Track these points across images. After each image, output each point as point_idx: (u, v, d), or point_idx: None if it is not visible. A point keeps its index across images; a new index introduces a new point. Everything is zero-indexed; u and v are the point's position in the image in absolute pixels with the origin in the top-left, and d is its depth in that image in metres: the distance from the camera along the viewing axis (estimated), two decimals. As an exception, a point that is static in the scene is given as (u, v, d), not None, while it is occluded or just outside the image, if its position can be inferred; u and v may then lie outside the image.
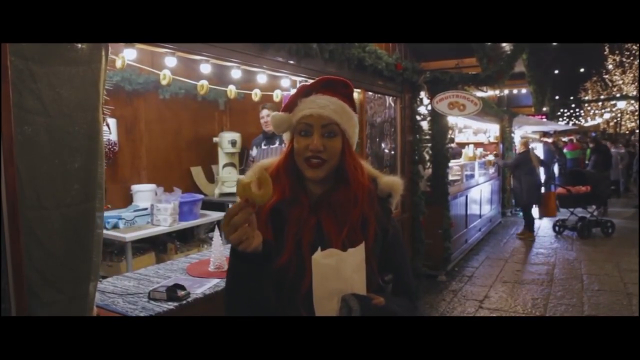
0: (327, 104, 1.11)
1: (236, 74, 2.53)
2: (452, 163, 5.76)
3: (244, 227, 0.90)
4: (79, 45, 1.45)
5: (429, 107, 4.69)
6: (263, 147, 4.05)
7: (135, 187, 4.10)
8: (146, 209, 3.87)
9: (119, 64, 1.97)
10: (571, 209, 7.47)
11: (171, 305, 1.78)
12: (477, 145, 8.48)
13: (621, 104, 24.59)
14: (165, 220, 3.78)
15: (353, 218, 1.09)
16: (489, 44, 4.65)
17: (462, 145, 7.84)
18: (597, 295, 4.65)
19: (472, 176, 6.94)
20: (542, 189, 7.78)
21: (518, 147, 7.64)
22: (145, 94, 4.25)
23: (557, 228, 7.50)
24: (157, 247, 4.08)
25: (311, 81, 1.22)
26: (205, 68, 2.21)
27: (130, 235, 3.53)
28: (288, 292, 1.05)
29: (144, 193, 4.01)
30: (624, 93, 24.00)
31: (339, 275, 0.95)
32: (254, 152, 4.10)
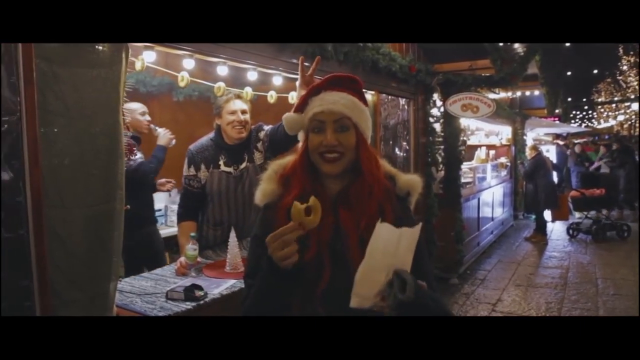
0: (337, 100, 1.12)
1: (252, 76, 2.54)
2: (464, 165, 5.73)
3: (293, 245, 0.95)
4: (100, 47, 1.47)
5: (442, 109, 4.67)
6: (224, 168, 2.41)
7: (149, 188, 4.13)
8: (160, 210, 3.90)
9: (138, 65, 2.00)
10: (585, 212, 7.39)
11: (189, 305, 1.79)
12: (489, 147, 8.42)
13: (635, 106, 24.24)
14: (179, 221, 3.79)
15: (370, 209, 1.10)
16: (503, 45, 4.61)
17: (474, 147, 7.78)
18: (613, 300, 4.58)
19: (484, 178, 6.90)
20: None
21: (528, 153, 7.56)
22: (159, 96, 4.29)
23: (571, 231, 7.41)
24: (171, 247, 4.10)
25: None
26: (222, 70, 2.23)
27: (145, 236, 3.56)
28: (305, 290, 1.06)
29: (157, 194, 4.04)
30: (639, 95, 23.67)
31: (396, 251, 0.96)
32: (201, 174, 2.43)
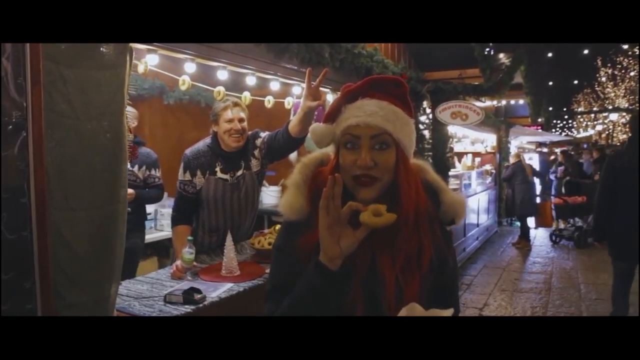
0: (376, 111, 0.93)
1: (251, 80, 2.56)
2: (451, 172, 5.82)
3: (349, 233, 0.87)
4: (105, 49, 1.48)
5: (431, 117, 4.75)
6: (220, 175, 2.40)
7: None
8: (150, 213, 3.86)
9: (141, 68, 2.00)
10: (568, 219, 7.57)
11: (188, 308, 1.79)
12: (475, 154, 8.57)
13: (613, 116, 24.92)
14: (169, 225, 3.77)
15: (409, 246, 0.94)
16: (492, 55, 4.72)
17: (460, 154, 7.91)
18: (595, 304, 4.70)
19: (470, 185, 7.01)
20: (538, 199, 7.86)
21: (511, 158, 7.74)
22: (150, 100, 4.27)
23: (554, 237, 7.57)
24: (160, 251, 4.07)
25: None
26: (222, 74, 2.25)
27: (135, 240, 3.52)
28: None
29: (147, 198, 3.99)
30: (616, 105, 24.34)
31: None
32: (196, 180, 2.41)
